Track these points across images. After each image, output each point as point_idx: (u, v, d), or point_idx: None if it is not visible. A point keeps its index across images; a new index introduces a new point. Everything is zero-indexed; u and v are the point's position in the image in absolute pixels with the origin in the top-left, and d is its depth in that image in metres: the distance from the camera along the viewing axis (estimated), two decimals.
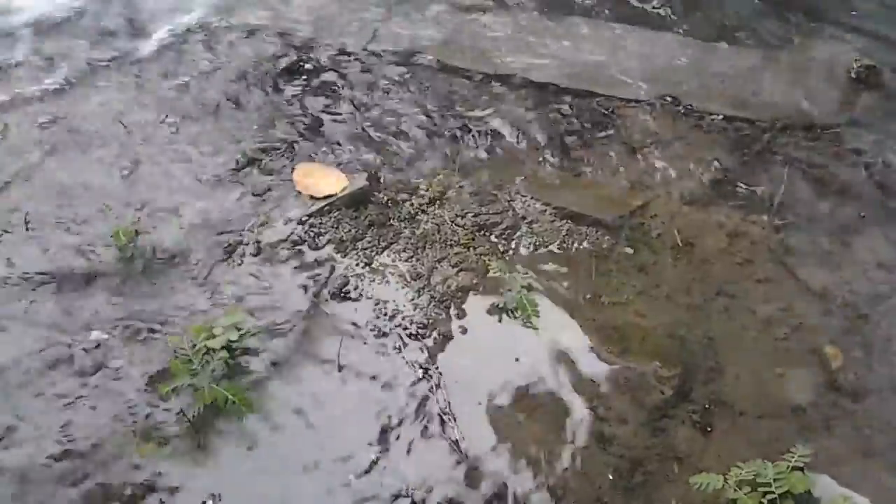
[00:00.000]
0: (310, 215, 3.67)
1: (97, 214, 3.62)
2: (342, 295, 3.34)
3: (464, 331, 3.25)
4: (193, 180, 3.84)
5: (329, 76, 4.53)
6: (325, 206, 3.71)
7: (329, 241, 3.57)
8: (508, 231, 3.66)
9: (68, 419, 2.86)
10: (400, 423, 2.92)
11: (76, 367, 3.03)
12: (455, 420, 2.93)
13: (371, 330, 3.22)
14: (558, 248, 3.58)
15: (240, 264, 3.45)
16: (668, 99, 4.40)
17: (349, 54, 4.68)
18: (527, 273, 3.45)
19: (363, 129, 4.20)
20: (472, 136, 4.16)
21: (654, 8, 5.17)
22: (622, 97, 4.41)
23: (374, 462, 2.80)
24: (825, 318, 3.32)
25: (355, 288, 3.38)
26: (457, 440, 2.87)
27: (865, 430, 2.95)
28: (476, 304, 3.35)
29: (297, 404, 2.96)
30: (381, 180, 3.88)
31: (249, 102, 4.33)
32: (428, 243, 3.58)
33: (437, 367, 3.10)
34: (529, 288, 3.32)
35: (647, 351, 3.16)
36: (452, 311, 3.31)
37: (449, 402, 2.99)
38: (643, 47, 4.79)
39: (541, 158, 4.05)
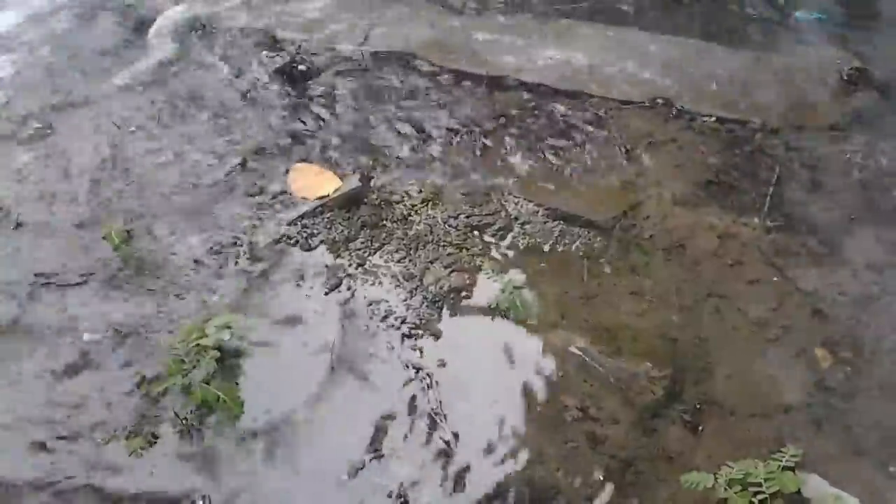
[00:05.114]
0: (303, 216, 3.68)
1: (89, 214, 3.61)
2: (335, 295, 3.35)
3: (456, 331, 3.25)
4: (186, 181, 3.84)
5: (322, 77, 4.53)
6: (318, 207, 3.71)
7: (322, 242, 3.58)
8: (501, 232, 3.67)
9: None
10: (392, 424, 2.92)
11: (70, 368, 3.04)
12: (446, 420, 2.94)
13: (363, 330, 3.22)
14: (550, 249, 3.59)
15: (233, 264, 3.45)
16: (661, 100, 4.41)
17: (342, 55, 4.69)
18: (519, 274, 3.46)
19: (356, 130, 4.20)
20: (465, 136, 4.17)
21: (646, 10, 5.19)
22: (614, 98, 4.43)
23: (368, 462, 2.80)
24: (815, 318, 3.34)
25: (348, 288, 3.38)
26: (448, 440, 2.88)
27: (855, 429, 2.97)
28: (468, 305, 3.35)
29: (289, 403, 2.97)
30: (374, 181, 3.89)
31: (243, 103, 4.33)
32: (420, 244, 3.59)
33: (429, 368, 3.10)
34: (521, 289, 3.32)
35: (639, 351, 3.17)
36: (445, 312, 3.32)
37: (440, 402, 2.99)
38: (635, 49, 4.80)
39: (533, 159, 4.06)
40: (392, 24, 4.94)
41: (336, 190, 3.78)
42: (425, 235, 3.62)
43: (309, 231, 3.62)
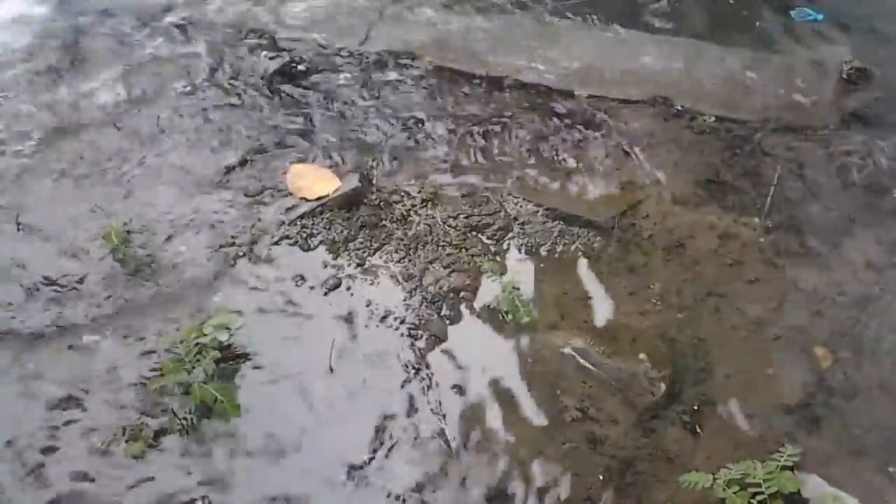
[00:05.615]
0: (302, 216, 3.67)
1: (88, 215, 3.62)
2: (334, 295, 3.35)
3: (455, 331, 3.25)
4: (185, 181, 3.84)
5: (322, 77, 4.53)
6: (318, 207, 3.71)
7: (321, 243, 3.58)
8: (500, 232, 3.67)
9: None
10: (392, 424, 2.92)
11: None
12: (446, 420, 2.94)
13: (363, 331, 3.22)
14: (550, 249, 3.59)
15: (232, 265, 3.45)
16: (660, 100, 4.41)
17: (342, 55, 4.68)
18: (518, 274, 3.46)
19: (356, 130, 4.20)
20: (464, 136, 4.17)
21: (645, 10, 5.19)
22: (613, 98, 4.42)
23: (367, 463, 2.80)
24: (815, 318, 3.34)
25: (347, 288, 3.38)
26: (448, 440, 2.88)
27: (855, 429, 2.97)
28: (468, 305, 3.35)
29: (288, 404, 2.97)
30: (374, 181, 3.89)
31: (242, 103, 4.33)
32: (420, 244, 3.59)
33: (428, 368, 3.11)
34: (520, 289, 3.32)
35: (638, 352, 3.17)
36: (444, 312, 3.31)
37: (440, 402, 2.99)
38: (634, 48, 4.80)
39: (533, 159, 4.06)
40: (392, 24, 4.94)
41: (335, 190, 3.77)
42: (425, 236, 3.62)
43: (308, 231, 3.62)
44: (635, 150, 4.12)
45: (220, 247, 3.52)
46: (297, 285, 3.39)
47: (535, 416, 2.98)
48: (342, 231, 3.63)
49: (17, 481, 2.70)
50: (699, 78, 4.60)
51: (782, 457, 2.68)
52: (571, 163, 4.05)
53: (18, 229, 3.55)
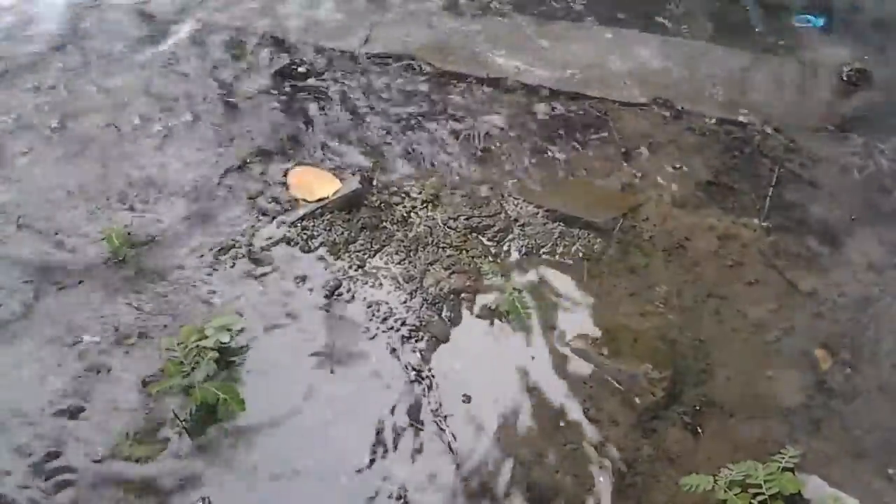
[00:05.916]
0: (302, 218, 3.67)
1: (88, 216, 3.62)
2: (334, 297, 3.35)
3: (456, 333, 3.25)
4: (186, 182, 3.84)
5: (322, 79, 4.53)
6: (318, 208, 3.71)
7: (322, 244, 3.58)
8: (500, 233, 3.67)
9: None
10: (392, 426, 2.92)
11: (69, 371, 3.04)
12: (446, 421, 2.94)
13: (363, 332, 3.23)
14: (550, 251, 3.59)
15: (232, 266, 3.45)
16: (660, 101, 4.42)
17: (342, 57, 4.69)
18: (519, 275, 3.46)
19: (356, 131, 4.20)
20: (465, 138, 4.17)
21: (644, 11, 5.19)
22: (614, 99, 4.43)
23: (368, 464, 2.80)
24: (815, 320, 3.34)
25: (348, 290, 3.39)
26: (449, 442, 2.88)
27: (855, 431, 2.97)
28: (468, 307, 3.35)
29: (289, 406, 2.97)
30: (374, 183, 3.89)
31: (242, 105, 4.33)
32: (420, 246, 3.59)
33: (429, 370, 3.11)
34: (521, 290, 3.32)
35: (639, 353, 3.17)
36: (445, 314, 3.32)
37: (441, 404, 2.99)
38: (635, 50, 4.80)
39: (533, 161, 4.06)
40: (392, 26, 4.94)
41: (335, 192, 3.78)
42: (425, 237, 3.62)
43: (309, 233, 3.62)
44: (635, 151, 4.12)
45: (221, 248, 3.52)
46: (297, 286, 3.39)
47: (535, 417, 2.98)
48: (342, 233, 3.63)
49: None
50: (699, 79, 4.60)
51: (783, 458, 2.68)
52: (572, 164, 4.05)
53: (18, 228, 3.56)
